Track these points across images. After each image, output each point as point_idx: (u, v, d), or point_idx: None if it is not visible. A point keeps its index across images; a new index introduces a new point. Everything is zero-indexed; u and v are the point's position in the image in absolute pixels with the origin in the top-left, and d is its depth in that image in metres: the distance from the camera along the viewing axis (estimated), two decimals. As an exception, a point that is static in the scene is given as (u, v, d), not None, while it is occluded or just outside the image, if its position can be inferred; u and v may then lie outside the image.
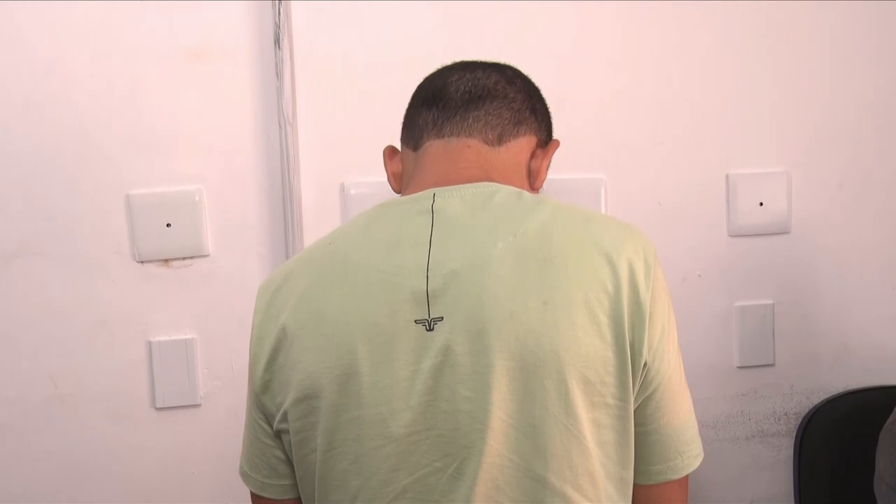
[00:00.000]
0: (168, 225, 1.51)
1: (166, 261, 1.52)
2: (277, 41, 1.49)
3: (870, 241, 1.72)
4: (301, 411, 0.99)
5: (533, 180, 1.09)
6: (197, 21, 1.48)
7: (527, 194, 1.01)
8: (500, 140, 1.06)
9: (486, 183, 1.01)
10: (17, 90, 1.45)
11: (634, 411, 0.97)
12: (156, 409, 1.54)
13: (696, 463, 1.03)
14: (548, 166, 1.10)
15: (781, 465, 1.73)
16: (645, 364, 0.95)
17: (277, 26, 1.48)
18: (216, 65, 1.50)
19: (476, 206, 0.98)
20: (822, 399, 1.72)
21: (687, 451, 1.01)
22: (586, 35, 1.59)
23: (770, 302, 1.70)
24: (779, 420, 1.73)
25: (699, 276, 1.67)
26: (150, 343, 1.53)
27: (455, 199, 0.99)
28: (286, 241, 1.53)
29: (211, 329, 1.54)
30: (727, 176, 1.66)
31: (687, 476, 1.03)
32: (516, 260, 0.94)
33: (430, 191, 1.01)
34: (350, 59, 1.53)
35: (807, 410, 1.72)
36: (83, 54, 1.46)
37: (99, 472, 1.53)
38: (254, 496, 1.11)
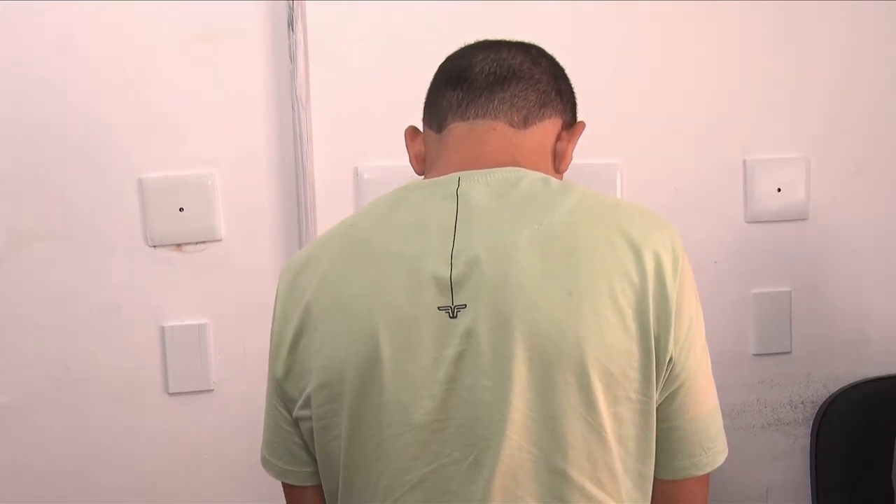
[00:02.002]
0: (181, 209, 1.50)
1: (179, 245, 1.51)
2: (291, 24, 1.47)
3: (888, 228, 1.71)
4: (324, 397, 0.98)
5: (558, 163, 1.07)
6: (210, 4, 1.47)
7: (553, 180, 0.99)
8: (525, 123, 1.03)
9: (513, 168, 0.99)
10: (29, 74, 1.44)
11: (658, 406, 0.95)
12: (168, 394, 1.54)
13: (721, 459, 1.00)
14: (573, 149, 1.08)
15: (798, 454, 1.72)
16: (670, 359, 0.94)
17: (291, 9, 1.47)
18: (229, 48, 1.49)
19: (502, 193, 0.97)
20: (839, 387, 1.71)
21: (712, 447, 0.99)
22: (603, 19, 1.57)
23: (787, 289, 1.69)
24: (795, 408, 1.71)
25: (715, 262, 1.66)
26: (162, 328, 1.52)
27: (481, 185, 0.97)
28: (299, 226, 1.52)
29: (224, 314, 1.53)
30: (744, 162, 1.65)
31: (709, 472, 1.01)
32: (541, 249, 0.92)
33: (455, 175, 0.99)
34: (364, 42, 1.52)
35: (823, 399, 1.71)
36: (96, 37, 1.45)
37: (110, 456, 1.53)
38: (284, 484, 1.10)
